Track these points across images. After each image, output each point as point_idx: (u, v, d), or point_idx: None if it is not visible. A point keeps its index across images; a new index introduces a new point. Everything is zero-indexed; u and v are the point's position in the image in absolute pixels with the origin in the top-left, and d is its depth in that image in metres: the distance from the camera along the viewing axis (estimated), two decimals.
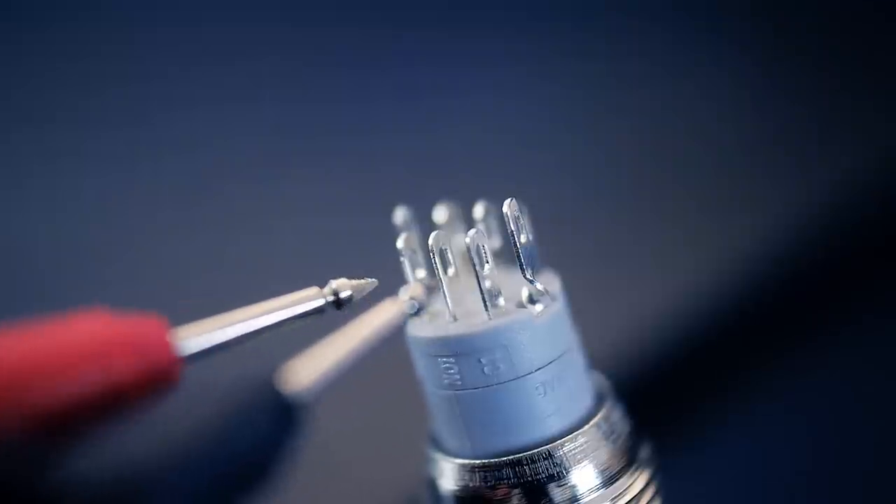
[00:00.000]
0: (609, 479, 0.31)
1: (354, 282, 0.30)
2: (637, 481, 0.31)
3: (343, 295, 0.29)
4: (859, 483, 0.55)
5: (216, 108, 0.63)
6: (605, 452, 0.31)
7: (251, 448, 0.24)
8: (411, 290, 0.30)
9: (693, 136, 0.63)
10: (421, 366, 0.31)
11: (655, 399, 0.52)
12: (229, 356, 0.27)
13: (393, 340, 0.29)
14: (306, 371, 0.25)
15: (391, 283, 0.31)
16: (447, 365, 0.31)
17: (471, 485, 0.31)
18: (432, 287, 0.31)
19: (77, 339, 0.25)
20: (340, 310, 0.29)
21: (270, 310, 0.28)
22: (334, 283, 0.29)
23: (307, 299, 0.29)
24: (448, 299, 0.31)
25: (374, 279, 0.31)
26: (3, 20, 0.62)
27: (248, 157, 0.62)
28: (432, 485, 0.32)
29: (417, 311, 0.30)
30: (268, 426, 0.24)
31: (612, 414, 0.32)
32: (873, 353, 0.58)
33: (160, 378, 0.25)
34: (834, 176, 0.62)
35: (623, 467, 0.31)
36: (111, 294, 0.60)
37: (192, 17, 0.64)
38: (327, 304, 0.29)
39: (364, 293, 0.30)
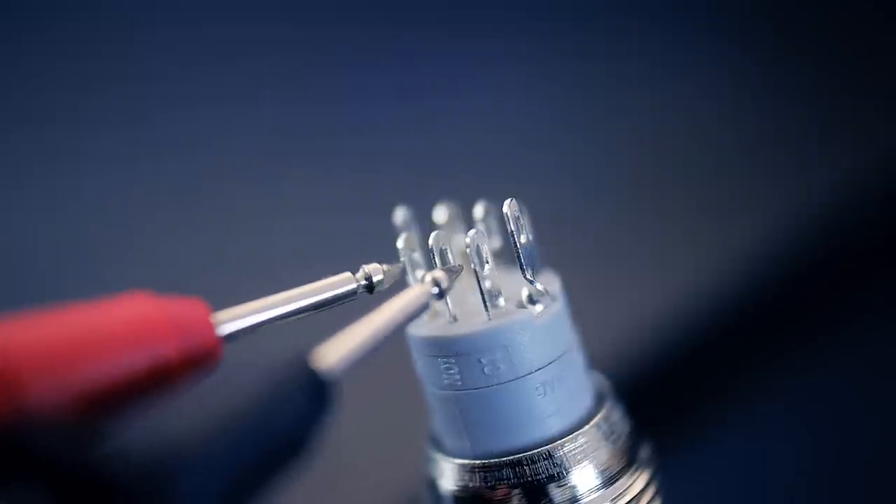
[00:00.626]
0: (609, 480, 0.31)
1: (386, 266, 0.31)
2: (637, 481, 0.31)
3: (375, 279, 0.30)
4: (859, 483, 0.55)
5: (216, 108, 0.63)
6: (605, 453, 0.31)
7: (287, 424, 0.25)
8: (435, 273, 0.30)
9: (693, 136, 0.63)
10: (421, 366, 0.31)
11: (655, 399, 0.52)
12: (265, 339, 0.28)
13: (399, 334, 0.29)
14: (337, 351, 0.26)
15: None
16: (447, 365, 0.30)
17: (471, 485, 0.31)
18: (454, 272, 0.31)
19: (122, 320, 0.25)
20: (372, 294, 0.30)
21: (306, 293, 0.29)
22: (367, 268, 0.30)
23: (340, 284, 0.30)
24: (448, 299, 0.31)
25: (402, 263, 0.32)
26: (3, 20, 0.62)
27: (248, 157, 0.62)
28: (432, 485, 0.32)
29: (441, 295, 0.30)
30: (302, 403, 0.25)
31: (612, 414, 0.32)
32: (873, 353, 0.58)
33: (202, 357, 0.26)
34: (834, 176, 0.62)
35: (623, 467, 0.31)
36: (110, 294, 0.60)
37: (192, 17, 0.64)
38: (360, 287, 0.30)
39: (396, 278, 0.31)
